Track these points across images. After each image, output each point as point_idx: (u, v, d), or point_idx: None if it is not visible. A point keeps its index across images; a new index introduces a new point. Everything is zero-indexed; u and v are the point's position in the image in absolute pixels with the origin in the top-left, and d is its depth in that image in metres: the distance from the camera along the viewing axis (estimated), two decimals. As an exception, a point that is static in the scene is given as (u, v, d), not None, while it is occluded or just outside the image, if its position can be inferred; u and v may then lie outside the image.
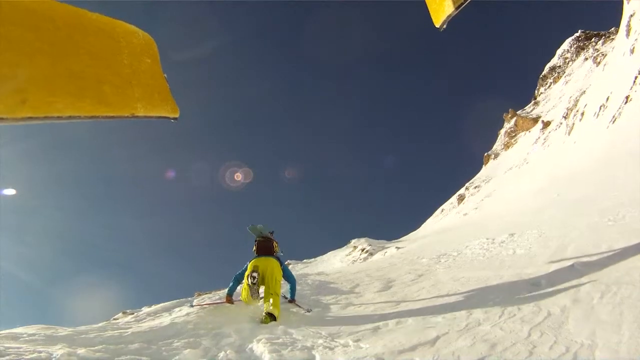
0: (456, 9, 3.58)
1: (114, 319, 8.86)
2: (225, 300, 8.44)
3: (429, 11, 4.06)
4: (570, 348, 3.70)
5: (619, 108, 44.80)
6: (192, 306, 8.39)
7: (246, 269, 8.42)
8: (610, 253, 6.79)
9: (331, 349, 5.03)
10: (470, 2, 3.54)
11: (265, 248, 8.86)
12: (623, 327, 3.78)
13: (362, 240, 60.18)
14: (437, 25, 3.88)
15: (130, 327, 6.66)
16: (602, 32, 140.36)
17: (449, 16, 3.68)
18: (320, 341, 5.43)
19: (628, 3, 73.16)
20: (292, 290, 9.11)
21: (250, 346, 5.54)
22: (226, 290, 8.74)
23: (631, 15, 68.31)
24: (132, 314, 8.75)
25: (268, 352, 5.06)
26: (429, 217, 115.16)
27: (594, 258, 6.79)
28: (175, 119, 4.02)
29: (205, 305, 8.41)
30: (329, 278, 13.17)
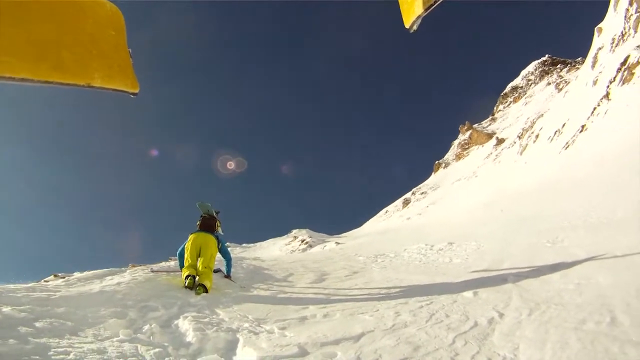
0: (425, 10, 3.53)
1: (45, 281, 8.65)
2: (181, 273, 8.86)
3: (400, 11, 4.04)
4: (491, 360, 3.71)
5: (574, 136, 46.23)
6: (152, 271, 9.27)
7: (187, 240, 9.08)
8: (544, 273, 6.95)
9: (256, 334, 5.10)
10: (439, 4, 3.48)
11: (207, 225, 9.53)
12: (547, 346, 3.82)
13: (304, 231, 60.63)
14: (407, 26, 3.82)
15: (60, 291, 6.68)
16: (569, 60, 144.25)
17: (418, 17, 3.62)
18: (246, 325, 5.51)
19: (598, 36, 75.46)
20: (228, 266, 9.93)
21: (176, 322, 5.67)
22: (177, 262, 9.57)
23: (599, 48, 70.39)
24: (64, 277, 8.58)
25: (193, 330, 5.17)
26: (372, 216, 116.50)
27: (528, 276, 6.93)
28: (134, 94, 3.89)
29: (162, 273, 9.20)
30: (265, 264, 13.22)
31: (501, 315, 4.96)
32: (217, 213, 10.17)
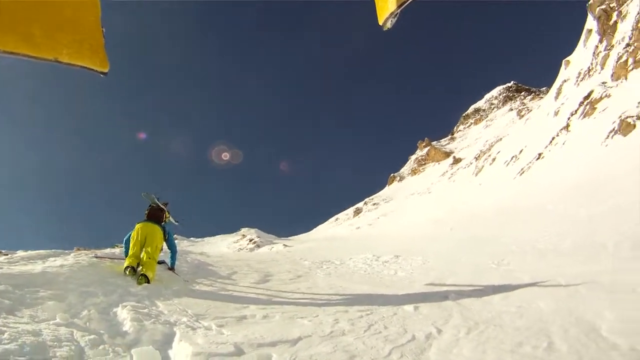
0: (398, 7, 3.49)
1: (-12, 258, 8.40)
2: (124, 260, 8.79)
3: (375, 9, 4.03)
4: (426, 375, 3.70)
5: (530, 163, 47.27)
6: (97, 257, 9.26)
7: (133, 230, 9.11)
8: (486, 294, 7.02)
9: (193, 329, 5.10)
10: (412, 1, 3.45)
11: (155, 216, 9.63)
12: (483, 365, 3.79)
13: (253, 230, 60.32)
14: (381, 23, 3.78)
15: (1, 268, 6.78)
16: (533, 89, 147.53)
17: (391, 14, 3.58)
18: (185, 319, 5.52)
19: (565, 68, 77.35)
20: (173, 258, 9.94)
21: (115, 310, 5.65)
22: (122, 249, 9.76)
23: (565, 81, 72.15)
24: (7, 255, 8.40)
25: (130, 320, 5.16)
26: (323, 222, 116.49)
27: (470, 295, 7.00)
28: (103, 73, 3.79)
29: (106, 259, 9.23)
30: (210, 260, 13.24)
31: (439, 331, 4.99)
32: (165, 204, 10.12)
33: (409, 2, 3.50)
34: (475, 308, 6.03)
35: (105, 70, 3.82)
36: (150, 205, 9.78)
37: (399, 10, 3.60)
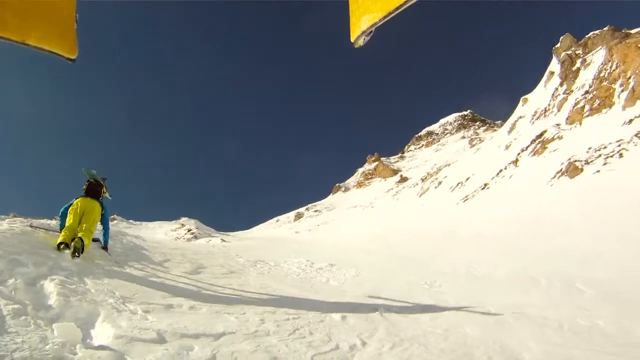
0: (371, 26, 3.47)
1: None
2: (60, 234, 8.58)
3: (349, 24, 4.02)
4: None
5: (475, 191, 48.31)
6: (32, 226, 9.14)
7: (71, 205, 9.03)
8: (415, 312, 7.10)
9: (118, 311, 5.01)
10: (390, 18, 3.43)
11: (93, 191, 9.56)
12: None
13: (192, 221, 59.91)
14: (352, 40, 3.75)
15: None
16: (488, 121, 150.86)
17: (363, 32, 3.57)
18: (111, 300, 5.42)
19: (522, 105, 79.89)
20: (105, 235, 9.83)
21: (42, 282, 5.45)
22: (58, 222, 9.46)
23: (520, 117, 74.52)
24: None
25: (57, 294, 5.03)
26: (263, 222, 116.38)
27: (399, 312, 7.04)
28: (71, 60, 3.67)
29: (40, 230, 9.09)
30: (145, 245, 13.00)
31: (364, 343, 4.99)
32: (103, 180, 10.11)
33: (381, 22, 3.48)
34: (402, 325, 6.06)
35: (73, 57, 3.72)
36: (88, 181, 9.66)
37: (372, 29, 3.60)
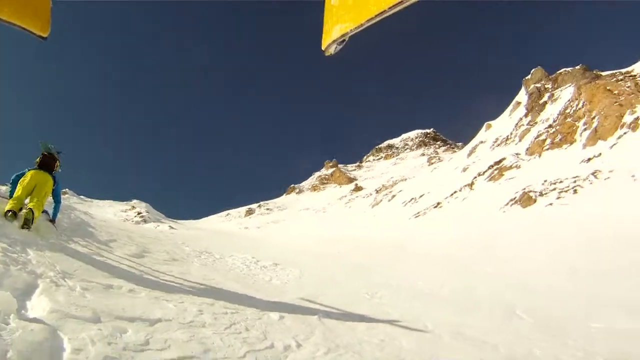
0: (342, 36, 3.49)
1: None
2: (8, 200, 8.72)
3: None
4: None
5: (427, 209, 49.02)
6: None
7: (23, 174, 9.07)
8: (353, 320, 7.14)
9: (57, 285, 4.92)
10: (362, 30, 3.45)
11: (47, 164, 9.52)
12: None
13: (144, 205, 59.38)
14: (323, 48, 3.76)
15: None
16: (450, 141, 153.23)
17: (333, 41, 3.57)
18: (51, 274, 5.30)
19: (485, 131, 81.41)
20: (56, 209, 9.77)
21: None
22: (9, 188, 9.37)
23: (481, 142, 75.96)
24: None
25: None
26: (214, 214, 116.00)
27: (337, 318, 7.07)
28: (43, 38, 3.58)
29: None
30: (93, 222, 12.93)
31: (299, 345, 4.98)
32: (58, 153, 9.98)
33: (352, 32, 3.50)
34: (339, 331, 6.08)
35: (45, 35, 3.65)
36: (42, 153, 9.58)
37: (344, 39, 3.62)
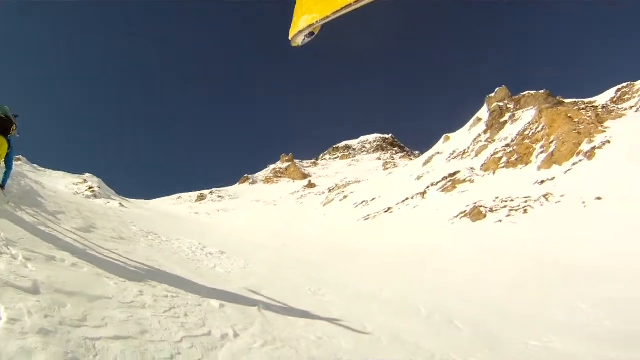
0: (308, 27, 3.54)
1: None
2: None
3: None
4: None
5: (377, 212, 49.49)
6: None
7: None
8: (293, 315, 7.12)
9: None
10: (328, 22, 3.50)
11: (2, 127, 9.22)
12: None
13: (96, 179, 58.54)
14: (290, 38, 3.80)
15: None
16: (407, 149, 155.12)
17: (300, 31, 3.62)
18: None
19: (443, 143, 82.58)
20: (6, 175, 9.53)
21: None
22: None
23: (438, 153, 77.42)
24: None
25: None
26: (165, 196, 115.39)
27: (277, 312, 7.04)
28: None
29: None
30: (43, 192, 12.63)
31: (236, 335, 4.97)
32: (15, 117, 9.68)
33: (318, 24, 3.54)
34: (278, 325, 6.08)
35: None
36: None
37: (310, 30, 3.65)
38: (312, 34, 3.84)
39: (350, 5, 2.98)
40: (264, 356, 4.58)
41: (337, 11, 3.15)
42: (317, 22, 3.49)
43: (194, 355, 3.95)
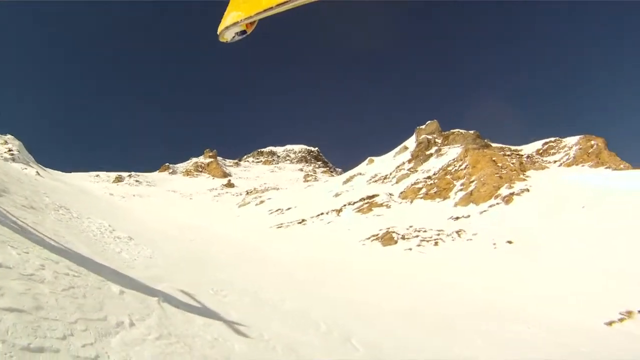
0: (233, 24, 3.66)
1: None
2: None
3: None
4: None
5: (291, 222, 49.82)
6: None
7: None
8: (192, 312, 7.06)
9: None
10: (248, 21, 3.66)
11: None
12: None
13: (17, 142, 57.20)
14: (218, 33, 3.90)
15: None
16: (330, 165, 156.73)
17: (226, 27, 3.73)
18: None
19: (367, 164, 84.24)
20: None
21: None
22: None
23: (360, 174, 79.22)
24: None
25: None
26: (83, 171, 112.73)
27: (177, 306, 6.97)
28: None
29: None
30: None
31: (132, 324, 4.92)
32: None
33: (241, 22, 3.69)
34: (175, 320, 6.03)
35: None
36: None
37: (240, 29, 3.77)
38: (244, 32, 3.95)
39: (271, 8, 3.14)
40: (157, 349, 4.54)
41: (259, 12, 3.32)
42: (242, 20, 3.64)
43: (87, 338, 3.89)
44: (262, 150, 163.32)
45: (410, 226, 39.11)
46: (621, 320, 17.74)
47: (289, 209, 61.94)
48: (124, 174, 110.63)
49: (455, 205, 46.90)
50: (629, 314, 18.35)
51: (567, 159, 57.87)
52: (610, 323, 17.38)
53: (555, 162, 58.33)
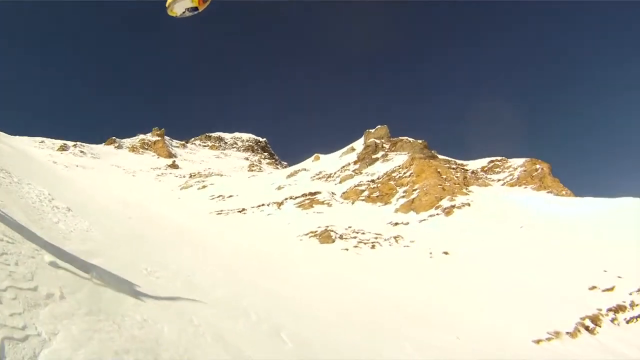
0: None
1: None
2: None
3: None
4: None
5: (231, 210, 50.28)
6: None
7: None
8: (124, 292, 6.92)
9: None
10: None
11: None
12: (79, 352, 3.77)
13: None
14: (167, 5, 3.90)
15: None
16: (277, 157, 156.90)
17: (175, 2, 3.75)
18: None
19: (312, 161, 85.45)
20: None
21: None
22: None
23: (305, 169, 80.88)
24: None
25: None
26: (29, 136, 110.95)
27: (110, 283, 6.81)
28: None
29: None
30: None
31: (62, 297, 4.81)
32: None
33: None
34: (106, 296, 5.91)
35: None
36: None
37: (192, 5, 3.79)
38: (195, 9, 3.95)
39: None
40: (85, 325, 4.46)
41: None
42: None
43: (16, 307, 3.80)
44: (211, 134, 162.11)
45: (349, 227, 39.48)
46: (549, 339, 18.54)
47: (230, 196, 61.73)
48: (69, 143, 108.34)
49: (396, 211, 47.61)
50: (557, 334, 19.24)
51: (511, 179, 59.83)
52: (538, 341, 18.16)
53: (499, 180, 60.26)
